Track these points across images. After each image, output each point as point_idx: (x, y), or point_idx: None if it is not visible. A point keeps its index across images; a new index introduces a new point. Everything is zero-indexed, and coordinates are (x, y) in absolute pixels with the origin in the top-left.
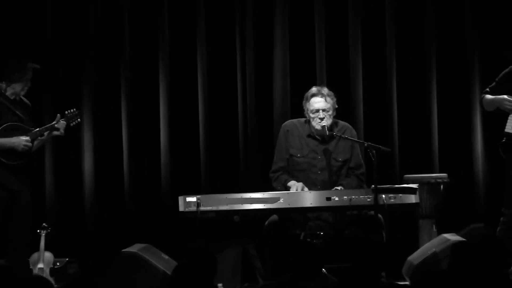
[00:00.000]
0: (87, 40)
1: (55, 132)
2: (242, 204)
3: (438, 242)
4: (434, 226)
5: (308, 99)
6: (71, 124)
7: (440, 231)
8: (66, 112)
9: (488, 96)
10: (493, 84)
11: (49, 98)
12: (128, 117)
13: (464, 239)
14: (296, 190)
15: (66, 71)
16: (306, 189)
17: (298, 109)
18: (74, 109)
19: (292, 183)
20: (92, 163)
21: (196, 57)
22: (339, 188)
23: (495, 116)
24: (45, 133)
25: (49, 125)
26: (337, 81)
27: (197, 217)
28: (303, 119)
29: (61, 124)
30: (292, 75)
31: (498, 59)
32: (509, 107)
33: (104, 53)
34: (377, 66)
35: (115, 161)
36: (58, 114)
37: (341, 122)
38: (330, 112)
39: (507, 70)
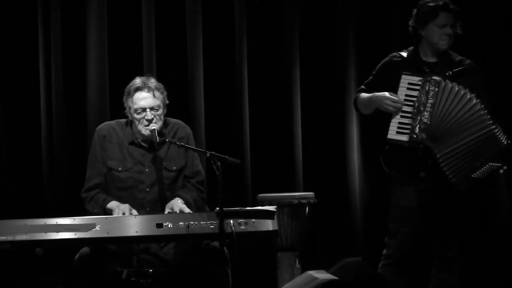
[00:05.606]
0: None
1: None
2: (46, 232)
3: (302, 281)
4: (297, 260)
5: (130, 95)
6: None
7: (304, 267)
8: None
9: (364, 95)
10: (370, 78)
11: None
12: None
13: (335, 277)
14: (123, 214)
15: None
16: (134, 212)
17: (119, 106)
18: None
19: (113, 205)
20: None
21: None
22: (179, 201)
23: (375, 119)
24: None
25: None
26: (170, 70)
27: None
28: (123, 120)
29: None
30: (111, 63)
31: (376, 55)
32: (391, 108)
33: None
34: (223, 53)
35: None
36: None
37: (172, 120)
38: (160, 111)
39: (386, 59)
